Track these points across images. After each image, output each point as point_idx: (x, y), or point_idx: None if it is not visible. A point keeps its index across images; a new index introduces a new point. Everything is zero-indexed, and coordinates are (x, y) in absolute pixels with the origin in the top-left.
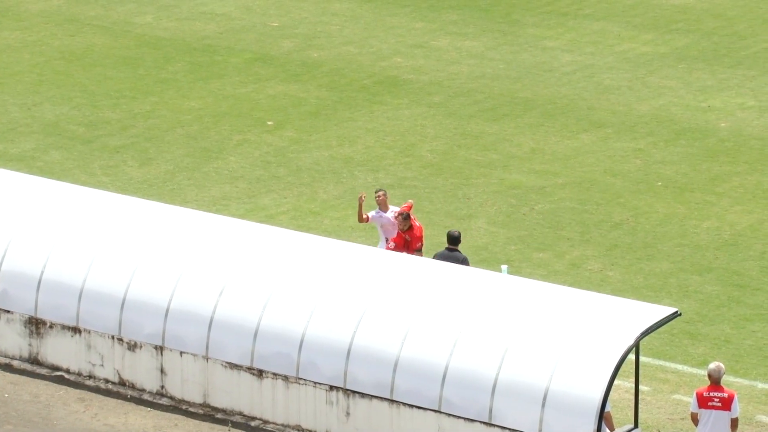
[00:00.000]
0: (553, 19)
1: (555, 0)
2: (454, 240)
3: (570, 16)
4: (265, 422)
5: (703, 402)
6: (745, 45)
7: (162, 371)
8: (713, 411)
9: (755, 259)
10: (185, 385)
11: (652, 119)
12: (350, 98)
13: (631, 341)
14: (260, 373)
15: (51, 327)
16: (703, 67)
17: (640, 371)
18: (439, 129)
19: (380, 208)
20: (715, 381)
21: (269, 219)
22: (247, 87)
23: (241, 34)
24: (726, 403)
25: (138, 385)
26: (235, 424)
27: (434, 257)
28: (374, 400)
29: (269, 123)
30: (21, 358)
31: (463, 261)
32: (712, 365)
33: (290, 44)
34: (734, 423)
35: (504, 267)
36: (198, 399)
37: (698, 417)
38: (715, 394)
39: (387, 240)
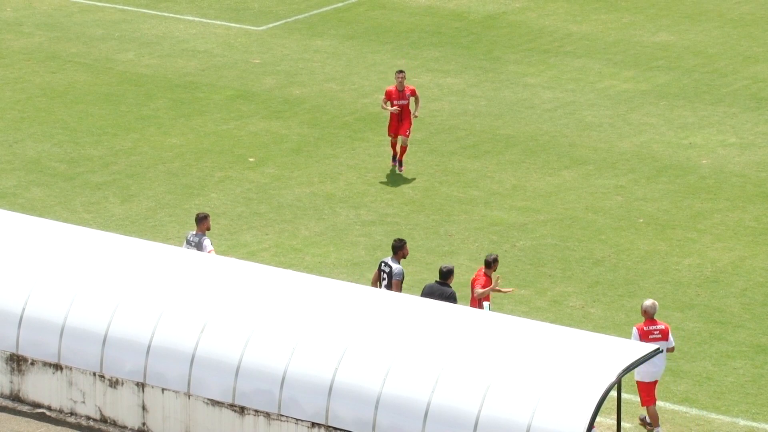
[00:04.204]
0: (535, 57)
1: (536, 37)
2: (442, 274)
3: (551, 54)
4: None
5: (644, 335)
6: (726, 82)
7: (144, 408)
8: (654, 343)
9: (736, 296)
10: (167, 422)
11: (634, 156)
12: (332, 135)
13: (613, 378)
14: (242, 410)
15: (32, 364)
16: (684, 104)
17: (622, 408)
18: (420, 166)
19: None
20: (650, 316)
21: (251, 256)
22: (229, 124)
23: (223, 71)
24: (664, 334)
25: (119, 422)
26: None
27: (423, 288)
28: None
29: (251, 160)
30: (2, 395)
31: (450, 296)
32: (648, 302)
33: (272, 81)
34: (670, 351)
35: (486, 304)
36: None
37: None
38: (654, 327)
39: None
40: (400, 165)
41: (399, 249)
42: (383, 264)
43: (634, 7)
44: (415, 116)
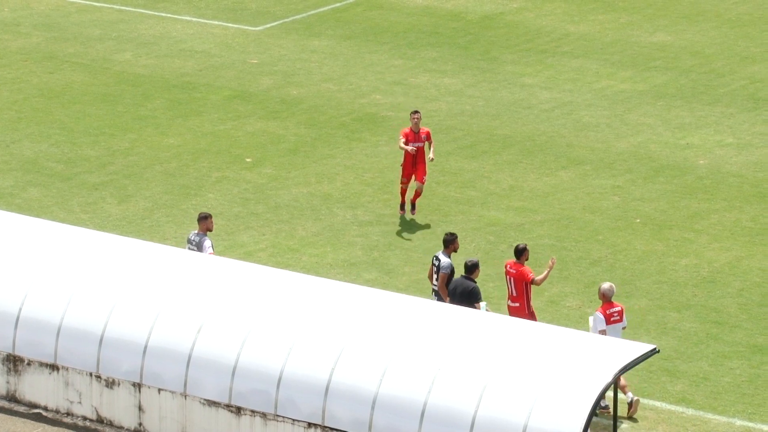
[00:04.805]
0: (532, 57)
1: (534, 37)
2: (467, 268)
3: (548, 54)
4: None
5: (608, 318)
6: (723, 82)
7: (140, 408)
8: (614, 324)
9: (733, 296)
10: (163, 422)
11: (631, 156)
12: (329, 135)
13: (609, 378)
14: (238, 410)
15: (29, 364)
16: (681, 105)
17: (618, 408)
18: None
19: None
20: (608, 299)
21: (247, 256)
22: (226, 124)
23: (221, 71)
24: (621, 315)
25: (116, 423)
26: None
27: (450, 283)
28: None
29: (248, 160)
30: None
31: (472, 290)
32: (605, 285)
33: (269, 81)
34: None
35: (483, 304)
36: None
37: (606, 334)
38: (614, 309)
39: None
40: (413, 207)
41: (450, 243)
42: (435, 258)
43: (632, 8)
44: (431, 159)
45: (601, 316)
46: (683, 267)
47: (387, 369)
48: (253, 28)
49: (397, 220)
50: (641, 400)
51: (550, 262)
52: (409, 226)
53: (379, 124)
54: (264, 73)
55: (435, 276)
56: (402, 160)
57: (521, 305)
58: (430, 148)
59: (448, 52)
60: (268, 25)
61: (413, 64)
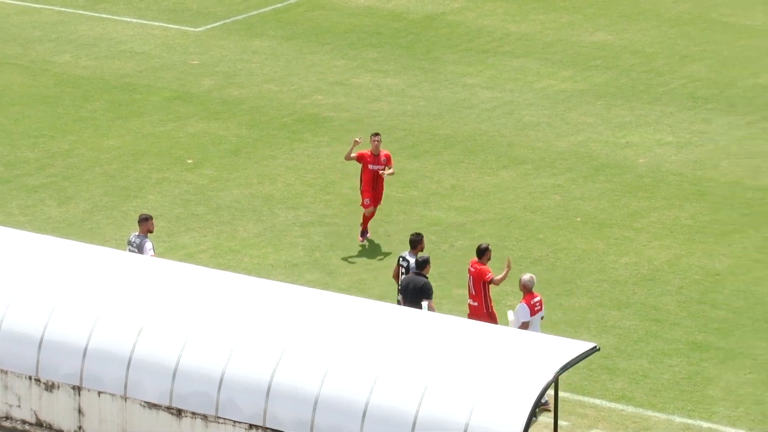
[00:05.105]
0: (473, 57)
1: (475, 37)
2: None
3: (490, 54)
4: None
5: (532, 309)
6: (663, 81)
7: (80, 411)
8: (535, 315)
9: (672, 294)
10: (103, 425)
11: (571, 155)
12: (271, 136)
13: (550, 376)
14: (179, 413)
15: None
16: (621, 104)
17: (559, 406)
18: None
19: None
20: (529, 290)
21: (189, 257)
22: (167, 125)
23: (161, 72)
24: (541, 305)
25: (55, 426)
26: None
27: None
28: None
29: (189, 161)
30: None
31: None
32: (526, 276)
33: (210, 82)
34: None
35: (425, 303)
36: None
37: (529, 325)
38: (535, 300)
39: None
40: (365, 233)
41: (417, 243)
42: (401, 258)
43: (573, 7)
44: (388, 174)
45: (527, 308)
46: (623, 265)
47: (329, 369)
48: (194, 29)
49: (340, 221)
50: (582, 398)
51: (507, 264)
52: (351, 227)
53: (321, 125)
54: (205, 73)
55: (402, 276)
56: (360, 183)
57: (480, 305)
58: (389, 168)
59: (390, 52)
60: (209, 26)
61: (355, 65)
